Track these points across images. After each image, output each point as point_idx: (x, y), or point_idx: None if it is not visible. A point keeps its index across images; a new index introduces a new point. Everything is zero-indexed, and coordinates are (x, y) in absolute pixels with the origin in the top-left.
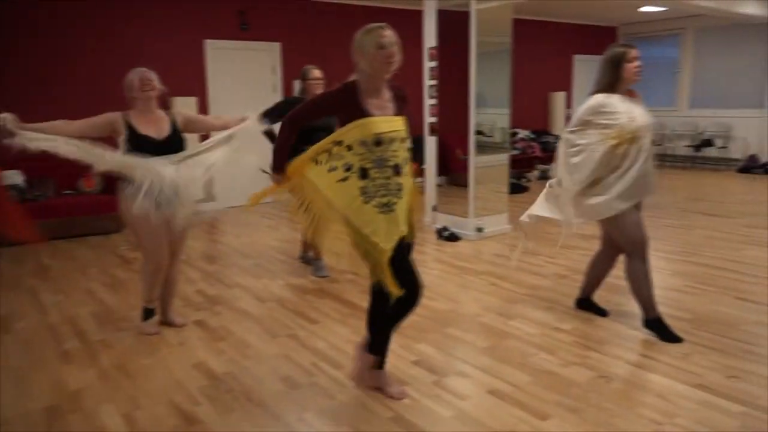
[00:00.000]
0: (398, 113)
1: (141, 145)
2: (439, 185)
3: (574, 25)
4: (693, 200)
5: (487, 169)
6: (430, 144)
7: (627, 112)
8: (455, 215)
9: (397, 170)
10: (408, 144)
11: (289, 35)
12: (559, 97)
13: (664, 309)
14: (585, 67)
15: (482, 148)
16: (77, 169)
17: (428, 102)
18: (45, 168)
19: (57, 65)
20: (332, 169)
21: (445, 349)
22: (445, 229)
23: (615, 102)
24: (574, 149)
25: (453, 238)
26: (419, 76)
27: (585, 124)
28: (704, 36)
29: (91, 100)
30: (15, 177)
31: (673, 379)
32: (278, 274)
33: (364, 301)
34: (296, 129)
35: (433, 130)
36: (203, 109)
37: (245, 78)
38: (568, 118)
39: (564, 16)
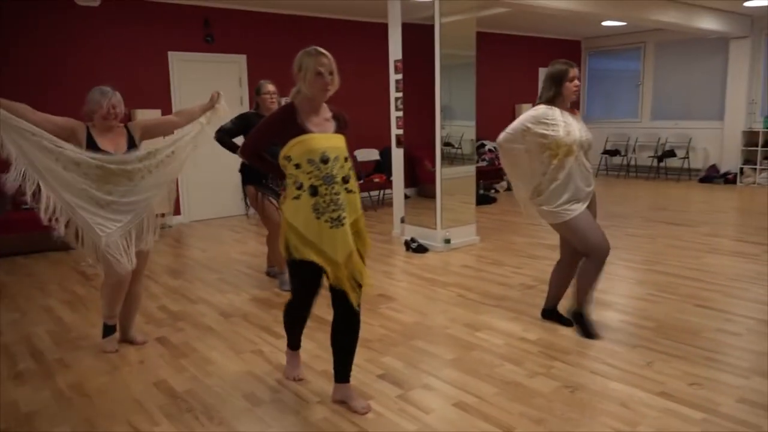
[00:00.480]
0: (338, 132)
1: None
2: (407, 197)
3: (539, 38)
4: (656, 209)
5: (454, 180)
6: (397, 155)
7: (565, 126)
8: (423, 226)
9: (345, 185)
10: (350, 163)
11: (255, 47)
12: (525, 109)
13: (627, 317)
14: None
15: (450, 160)
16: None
17: (395, 114)
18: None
19: (18, 74)
20: (287, 189)
21: (411, 362)
22: (413, 240)
23: (556, 115)
24: (511, 153)
25: (421, 249)
26: (385, 88)
27: (524, 131)
28: (664, 49)
29: (52, 110)
30: None
31: (635, 387)
32: (244, 288)
33: (329, 315)
34: (255, 156)
35: (400, 142)
36: None
37: (211, 90)
38: None
39: (529, 29)
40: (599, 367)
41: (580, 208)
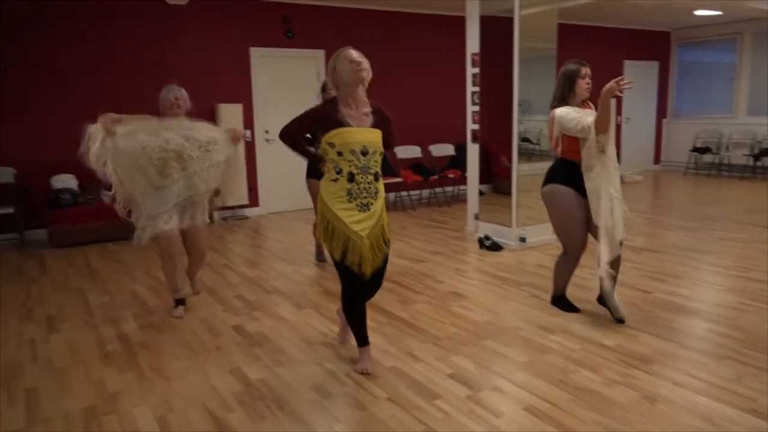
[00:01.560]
0: (375, 126)
1: None
2: (481, 193)
3: (624, 30)
4: (750, 212)
5: (532, 176)
6: (473, 151)
7: (580, 117)
8: (498, 224)
9: (376, 177)
10: (380, 157)
11: (333, 42)
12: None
13: (715, 327)
14: (636, 73)
15: (527, 156)
16: None
17: (471, 108)
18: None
19: (107, 73)
20: (327, 170)
21: (481, 362)
22: (487, 238)
23: (570, 111)
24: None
25: (495, 247)
26: (462, 82)
27: (576, 120)
28: (763, 40)
29: (140, 104)
30: (69, 181)
31: (722, 402)
32: (317, 280)
33: (401, 311)
34: (294, 141)
35: (476, 137)
36: (248, 116)
37: (290, 85)
38: (618, 125)
39: (614, 21)
40: (683, 379)
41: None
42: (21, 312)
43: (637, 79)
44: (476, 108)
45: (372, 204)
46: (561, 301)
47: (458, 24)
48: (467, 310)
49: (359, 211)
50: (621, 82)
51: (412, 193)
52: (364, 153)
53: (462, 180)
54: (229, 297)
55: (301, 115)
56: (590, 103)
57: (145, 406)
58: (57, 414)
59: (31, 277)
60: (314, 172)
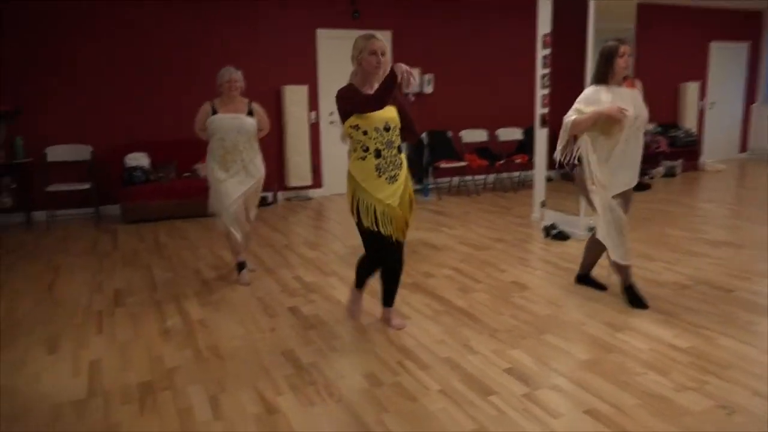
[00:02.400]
0: (390, 104)
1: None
2: (549, 179)
3: (710, 9)
4: None
5: None
6: (541, 136)
7: (609, 104)
8: (565, 212)
9: (399, 149)
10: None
11: (401, 24)
12: (691, 88)
13: None
14: (724, 56)
15: None
16: (197, 154)
17: (540, 92)
18: (169, 152)
19: (178, 56)
20: (353, 151)
21: (541, 358)
22: (553, 226)
23: (601, 95)
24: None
25: (561, 236)
26: (532, 64)
27: (578, 113)
28: None
29: (211, 85)
30: (142, 159)
31: None
32: None
33: (460, 299)
34: (384, 98)
35: (545, 122)
36: (313, 97)
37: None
38: (701, 111)
39: None
40: (765, 389)
41: (619, 186)
42: (92, 284)
43: (725, 62)
44: (546, 91)
45: (398, 174)
46: (586, 280)
47: (529, 3)
48: (529, 302)
49: (389, 183)
50: (622, 113)
51: (476, 177)
52: (387, 129)
53: (529, 165)
54: (287, 278)
55: (348, 99)
56: (635, 80)
57: (198, 384)
58: (116, 387)
59: (104, 250)
60: None
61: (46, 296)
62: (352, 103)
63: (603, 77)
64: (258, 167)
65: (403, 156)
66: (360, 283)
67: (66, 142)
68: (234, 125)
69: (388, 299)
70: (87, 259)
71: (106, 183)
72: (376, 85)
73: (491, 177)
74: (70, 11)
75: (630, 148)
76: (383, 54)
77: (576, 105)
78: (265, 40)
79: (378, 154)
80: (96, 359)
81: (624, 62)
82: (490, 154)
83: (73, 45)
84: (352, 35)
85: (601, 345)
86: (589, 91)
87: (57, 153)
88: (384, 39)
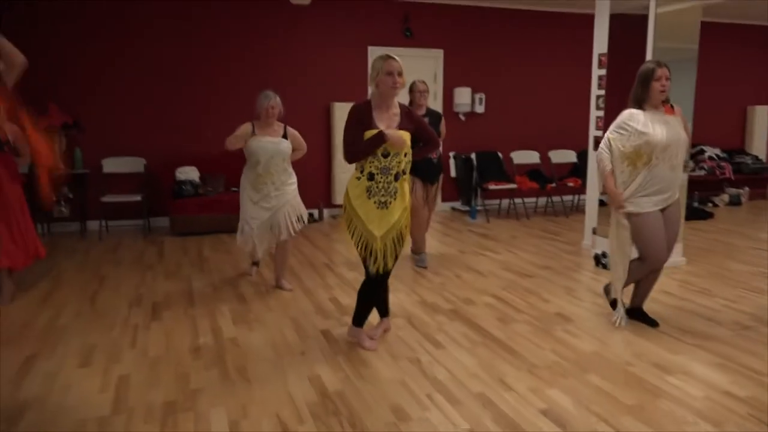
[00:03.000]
0: (401, 128)
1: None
2: (602, 204)
3: None
4: None
5: None
6: (594, 159)
7: (644, 129)
8: None
9: (396, 177)
10: (409, 156)
11: (453, 42)
12: (760, 112)
13: None
14: None
15: None
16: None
17: (595, 113)
18: (217, 166)
19: (229, 71)
20: (355, 167)
21: (581, 400)
22: (604, 255)
23: (638, 118)
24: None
25: None
26: (587, 84)
27: (611, 143)
28: None
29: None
30: (191, 173)
31: None
32: (415, 289)
33: (499, 330)
34: (358, 155)
35: (599, 144)
36: None
37: (405, 85)
38: None
39: None
40: None
41: (648, 205)
42: (132, 297)
43: None
44: (601, 113)
45: (390, 203)
46: (636, 314)
47: (584, 22)
48: (572, 336)
49: (377, 208)
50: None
51: (527, 200)
52: (385, 155)
53: (582, 189)
54: (323, 299)
55: (346, 128)
56: (672, 106)
57: (222, 407)
58: (140, 405)
59: (149, 262)
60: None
61: (88, 307)
62: (347, 126)
63: (639, 100)
64: (286, 192)
65: (402, 185)
66: (359, 317)
67: (121, 154)
68: (272, 149)
69: (359, 317)
70: (132, 270)
71: (157, 195)
72: (394, 107)
73: (542, 200)
74: (130, 32)
75: (657, 171)
76: (400, 74)
77: (609, 134)
78: (316, 57)
79: (371, 177)
80: (125, 374)
81: (660, 86)
82: (542, 177)
83: (132, 62)
84: (403, 53)
85: (649, 389)
86: (624, 115)
87: (112, 165)
88: (436, 57)
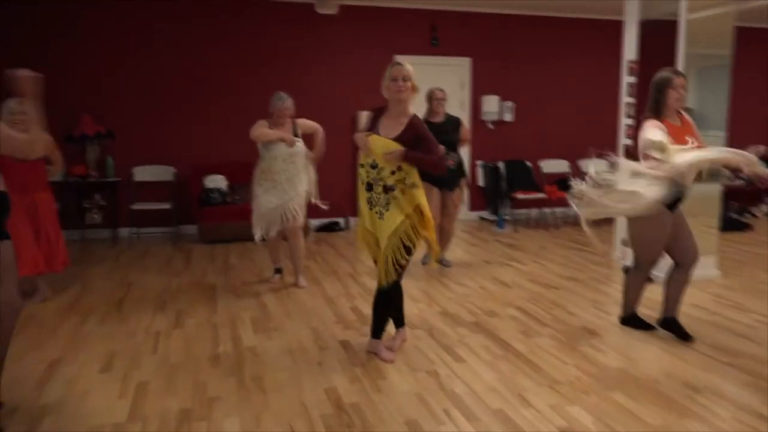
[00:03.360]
0: (398, 139)
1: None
2: None
3: None
4: None
5: (694, 200)
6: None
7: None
8: None
9: (385, 190)
10: (399, 174)
11: (480, 50)
12: None
13: None
14: None
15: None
16: None
17: (624, 121)
18: (245, 174)
19: (255, 80)
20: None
21: (602, 418)
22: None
23: (657, 137)
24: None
25: None
26: (615, 92)
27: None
28: None
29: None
30: (220, 181)
31: None
32: (437, 300)
33: (521, 343)
34: None
35: (629, 153)
36: None
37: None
38: None
39: None
40: None
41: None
42: (157, 303)
43: None
44: (630, 121)
45: (384, 213)
46: (633, 320)
47: (614, 28)
48: (597, 351)
49: (378, 218)
50: None
51: (556, 210)
52: (373, 166)
53: None
54: (344, 308)
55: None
56: (684, 114)
57: (236, 417)
58: (155, 413)
59: (176, 269)
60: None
61: (114, 313)
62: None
63: (656, 110)
64: (295, 185)
65: (393, 198)
66: (380, 330)
67: (152, 163)
68: (288, 152)
69: (378, 328)
70: (159, 277)
71: (186, 203)
72: (401, 116)
73: (572, 210)
74: (161, 45)
75: None
76: (404, 79)
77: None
78: (343, 66)
79: (369, 187)
80: (144, 381)
81: (677, 95)
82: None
83: (162, 73)
84: (431, 62)
85: (676, 408)
86: (650, 133)
87: (143, 173)
88: (463, 65)
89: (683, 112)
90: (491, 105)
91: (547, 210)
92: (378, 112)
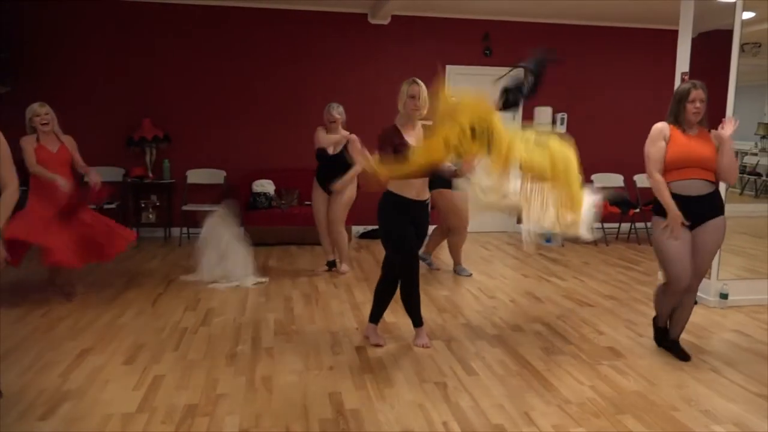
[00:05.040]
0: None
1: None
2: None
3: None
4: None
5: (755, 218)
6: None
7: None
8: None
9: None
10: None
11: None
12: None
13: None
14: None
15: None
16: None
17: None
18: (292, 180)
19: (307, 89)
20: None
21: None
22: None
23: (665, 134)
24: None
25: None
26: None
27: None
28: None
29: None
30: (267, 186)
31: None
32: (463, 311)
33: (540, 360)
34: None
35: None
36: None
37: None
38: None
39: None
40: None
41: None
42: (191, 301)
43: None
44: None
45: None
46: (660, 337)
47: (669, 39)
48: (618, 373)
49: None
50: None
51: (607, 226)
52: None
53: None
54: (368, 316)
55: (378, 148)
56: (705, 128)
57: (237, 415)
58: (163, 405)
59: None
60: (439, 182)
61: (149, 308)
62: (379, 148)
63: (677, 120)
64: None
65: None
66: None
67: (204, 166)
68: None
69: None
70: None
71: (234, 206)
72: (417, 128)
73: (624, 226)
74: (216, 54)
75: None
76: (420, 98)
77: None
78: (395, 75)
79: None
80: (161, 375)
81: (693, 108)
82: (624, 202)
83: (217, 80)
84: (483, 72)
85: None
86: (656, 127)
87: (196, 176)
88: None
89: (704, 127)
90: (544, 116)
91: (597, 225)
92: (394, 130)
